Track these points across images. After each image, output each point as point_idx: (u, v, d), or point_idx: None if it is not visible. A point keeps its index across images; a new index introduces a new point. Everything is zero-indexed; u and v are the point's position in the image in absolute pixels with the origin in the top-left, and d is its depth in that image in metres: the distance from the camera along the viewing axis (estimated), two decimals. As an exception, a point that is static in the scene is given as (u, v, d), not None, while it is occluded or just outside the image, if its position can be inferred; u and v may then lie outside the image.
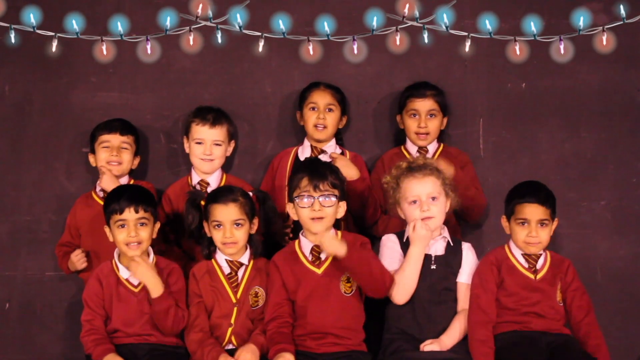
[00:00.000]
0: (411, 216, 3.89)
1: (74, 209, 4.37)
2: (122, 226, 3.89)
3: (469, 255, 3.95)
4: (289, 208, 3.92)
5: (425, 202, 3.88)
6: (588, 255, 4.47)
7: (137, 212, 3.89)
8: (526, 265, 3.89)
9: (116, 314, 3.90)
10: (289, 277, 3.89)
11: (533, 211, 3.86)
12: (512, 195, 3.94)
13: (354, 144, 4.56)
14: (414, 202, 3.89)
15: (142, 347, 3.85)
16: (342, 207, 3.92)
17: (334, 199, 3.86)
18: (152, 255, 3.97)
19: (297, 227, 4.04)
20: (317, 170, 3.87)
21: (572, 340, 3.83)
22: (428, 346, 3.79)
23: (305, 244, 3.92)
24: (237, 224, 3.91)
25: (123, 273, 3.93)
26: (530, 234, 3.85)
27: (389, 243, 3.95)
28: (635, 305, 4.50)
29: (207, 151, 4.33)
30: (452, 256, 3.92)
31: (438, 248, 3.93)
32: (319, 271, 3.88)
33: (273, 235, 4.21)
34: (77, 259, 4.24)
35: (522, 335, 3.82)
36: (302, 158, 4.41)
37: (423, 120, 4.37)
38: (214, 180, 4.37)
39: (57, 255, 4.36)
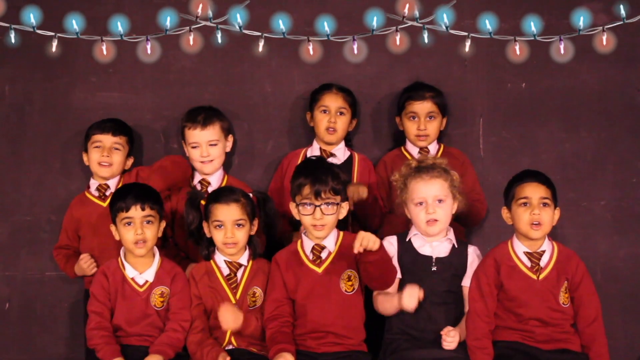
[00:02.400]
0: (416, 217, 3.89)
1: (70, 210, 4.36)
2: (129, 224, 3.89)
3: (474, 259, 3.92)
4: (292, 208, 3.93)
5: (431, 204, 3.87)
6: (588, 255, 4.45)
7: (143, 209, 3.90)
8: (529, 264, 3.84)
9: (120, 312, 3.90)
10: (289, 276, 3.89)
11: (534, 189, 3.82)
12: (511, 182, 3.90)
13: (354, 144, 4.56)
14: (420, 203, 3.89)
15: (143, 349, 3.84)
16: (345, 208, 3.93)
17: (335, 205, 3.87)
18: (157, 255, 3.97)
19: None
20: (319, 178, 3.85)
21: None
22: (451, 334, 3.77)
23: (306, 243, 3.92)
24: (238, 225, 3.91)
25: (129, 272, 3.92)
26: (533, 212, 3.79)
27: (386, 246, 3.92)
28: (635, 305, 4.50)
29: (204, 153, 4.33)
30: (456, 258, 3.91)
31: (441, 250, 3.92)
32: (320, 270, 3.89)
33: (276, 236, 4.19)
34: (87, 265, 4.20)
35: (522, 351, 3.78)
36: (311, 161, 4.40)
37: (422, 122, 4.37)
38: (215, 180, 4.37)
39: (57, 259, 4.35)
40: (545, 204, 3.82)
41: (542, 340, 3.79)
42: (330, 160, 4.27)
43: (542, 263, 3.84)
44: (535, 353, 3.77)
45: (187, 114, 4.39)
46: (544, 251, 3.85)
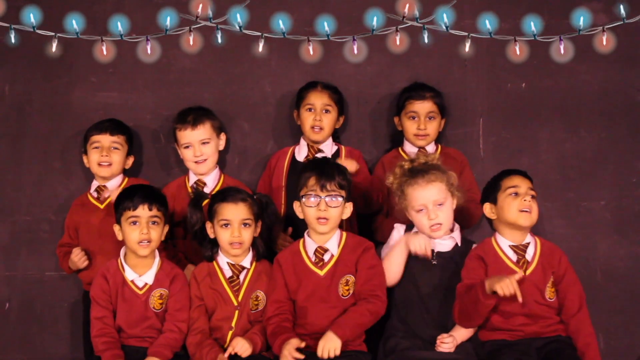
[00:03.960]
0: (420, 223, 3.89)
1: (71, 211, 4.37)
2: (134, 223, 3.89)
3: None
4: (296, 207, 3.93)
5: (432, 210, 3.87)
6: (588, 255, 4.47)
7: (150, 209, 3.90)
8: (514, 258, 3.85)
9: (120, 314, 3.90)
10: (290, 277, 3.89)
11: (522, 180, 3.87)
12: (495, 179, 3.93)
13: (354, 144, 4.56)
14: (421, 210, 3.88)
15: (143, 350, 3.84)
16: (349, 208, 3.93)
17: (340, 199, 3.87)
18: (157, 257, 3.96)
19: (302, 228, 4.02)
20: (325, 170, 3.87)
21: (564, 345, 3.78)
22: (447, 339, 3.76)
23: (309, 245, 3.92)
24: (245, 224, 3.91)
25: (128, 274, 3.92)
26: (523, 199, 3.82)
27: (395, 233, 3.97)
28: (635, 305, 4.50)
29: (197, 152, 4.33)
30: (459, 255, 3.90)
31: (444, 245, 3.92)
32: (322, 273, 3.88)
33: (272, 243, 4.19)
34: (78, 259, 4.22)
35: (512, 344, 3.78)
36: (298, 158, 4.41)
37: (422, 122, 4.37)
38: (211, 180, 4.37)
39: (58, 255, 4.36)
40: (533, 196, 3.85)
41: (531, 336, 3.80)
42: (319, 156, 4.29)
43: (528, 256, 3.85)
44: (525, 343, 3.78)
45: (177, 116, 4.40)
46: (528, 243, 3.87)
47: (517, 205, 3.83)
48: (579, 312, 3.82)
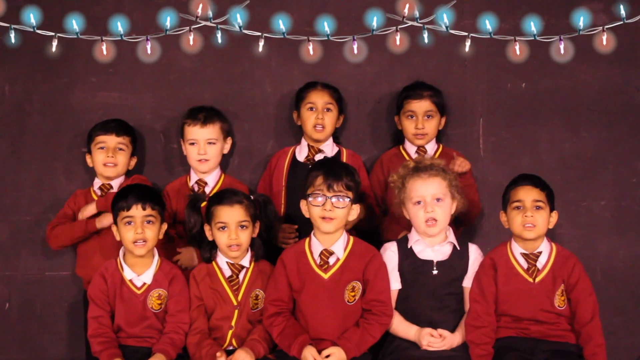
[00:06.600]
0: (415, 217, 3.88)
1: (73, 198, 4.35)
2: (129, 223, 3.88)
3: (476, 258, 3.92)
4: (302, 205, 3.91)
5: (429, 203, 3.86)
6: (588, 255, 4.46)
7: (144, 209, 3.89)
8: (525, 265, 3.84)
9: (119, 313, 3.90)
10: (294, 277, 3.87)
11: (527, 192, 3.84)
12: (507, 187, 3.93)
13: (354, 144, 4.56)
14: (419, 202, 3.88)
15: (142, 350, 3.84)
16: (355, 210, 3.91)
17: (347, 200, 3.85)
18: (156, 257, 3.96)
19: (303, 229, 4.01)
20: (333, 171, 3.86)
21: (569, 355, 3.78)
22: (434, 341, 3.78)
23: (315, 245, 3.90)
24: (242, 226, 3.90)
25: (127, 274, 3.92)
26: (525, 214, 3.81)
27: (387, 254, 3.93)
28: (635, 305, 4.50)
29: (202, 151, 4.33)
30: (457, 260, 3.90)
31: (442, 253, 3.91)
32: (326, 276, 3.86)
33: (273, 239, 4.18)
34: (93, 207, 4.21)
35: (517, 341, 3.78)
36: (299, 158, 4.41)
37: (420, 121, 4.36)
38: (212, 180, 4.37)
39: (52, 233, 4.27)
40: (538, 207, 3.83)
41: (537, 336, 3.81)
42: (319, 156, 4.29)
43: (540, 265, 3.85)
44: (530, 345, 3.78)
45: (188, 111, 4.40)
46: (540, 252, 3.86)
47: (520, 220, 3.82)
48: (591, 322, 3.80)
